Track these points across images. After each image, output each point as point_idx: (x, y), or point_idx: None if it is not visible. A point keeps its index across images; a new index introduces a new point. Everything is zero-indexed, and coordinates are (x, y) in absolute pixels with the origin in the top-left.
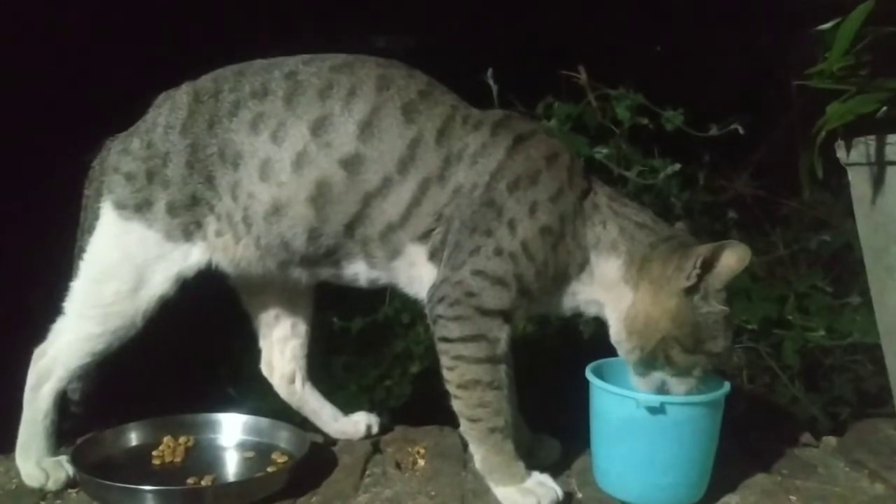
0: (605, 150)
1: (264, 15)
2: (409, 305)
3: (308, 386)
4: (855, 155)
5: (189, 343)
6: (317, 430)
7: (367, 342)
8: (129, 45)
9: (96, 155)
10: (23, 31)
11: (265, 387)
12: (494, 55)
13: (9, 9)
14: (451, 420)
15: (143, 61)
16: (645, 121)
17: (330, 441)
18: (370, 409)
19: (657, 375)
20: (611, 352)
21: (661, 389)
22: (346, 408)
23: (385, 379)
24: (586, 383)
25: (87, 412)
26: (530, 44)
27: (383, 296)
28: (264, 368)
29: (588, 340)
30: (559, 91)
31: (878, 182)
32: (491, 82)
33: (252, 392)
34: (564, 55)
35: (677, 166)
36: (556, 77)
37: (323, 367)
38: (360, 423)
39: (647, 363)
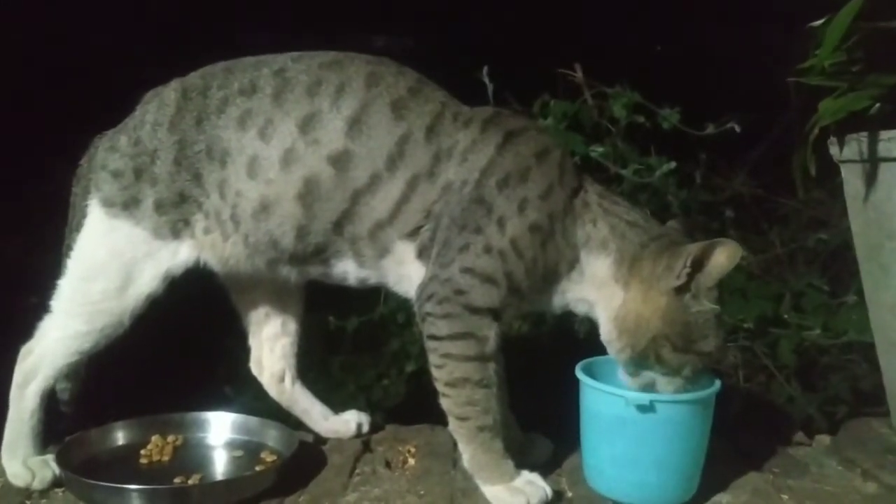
0: (601, 149)
1: (260, 14)
2: (405, 305)
3: (298, 385)
4: (848, 152)
5: (186, 341)
6: (307, 429)
7: (364, 341)
8: (124, 44)
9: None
10: (18, 31)
11: (261, 386)
12: (490, 53)
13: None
14: (442, 419)
15: (138, 61)
16: (641, 119)
17: (320, 440)
18: (367, 409)
19: (647, 374)
20: (604, 351)
21: (652, 388)
22: (344, 408)
23: (382, 378)
24: (578, 382)
25: (77, 412)
26: (526, 42)
27: (378, 295)
28: (254, 367)
29: (583, 340)
30: (555, 89)
31: (870, 179)
32: (486, 80)
33: (248, 391)
34: (560, 53)
35: (673, 164)
36: (553, 75)
37: (320, 367)
38: (350, 421)
39: (638, 362)
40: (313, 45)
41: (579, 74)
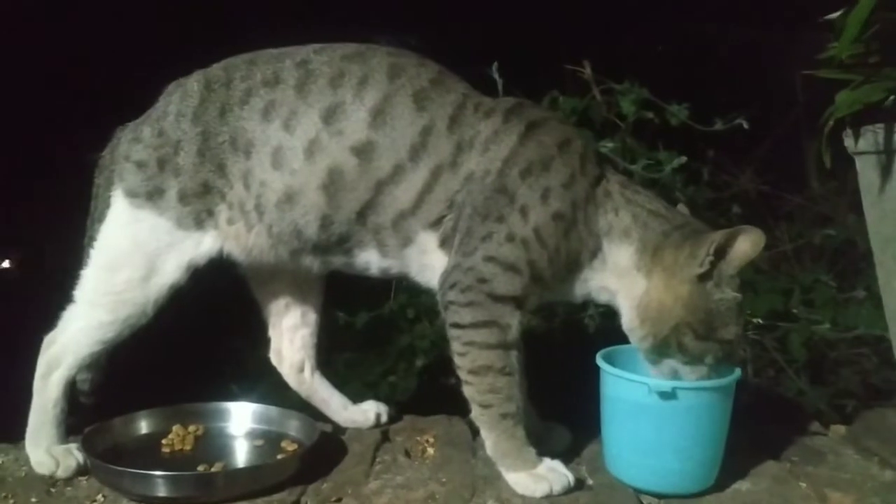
0: (610, 144)
1: (264, 12)
2: (414, 300)
3: (317, 375)
4: (863, 143)
5: (192, 338)
6: (325, 419)
7: (372, 337)
8: (135, 42)
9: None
10: (28, 26)
11: (267, 385)
12: (499, 49)
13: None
14: (459, 410)
15: (147, 59)
16: (650, 115)
17: (339, 430)
18: None
19: (669, 363)
20: (615, 343)
21: (674, 377)
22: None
23: (389, 375)
24: (592, 374)
25: (96, 403)
26: (535, 38)
27: (388, 291)
28: (273, 357)
29: (593, 333)
30: (564, 85)
31: (886, 170)
32: (496, 76)
33: (256, 389)
34: (569, 49)
35: (683, 159)
36: (561, 71)
37: (326, 364)
38: (369, 411)
39: (660, 350)
40: (317, 40)
41: (588, 71)
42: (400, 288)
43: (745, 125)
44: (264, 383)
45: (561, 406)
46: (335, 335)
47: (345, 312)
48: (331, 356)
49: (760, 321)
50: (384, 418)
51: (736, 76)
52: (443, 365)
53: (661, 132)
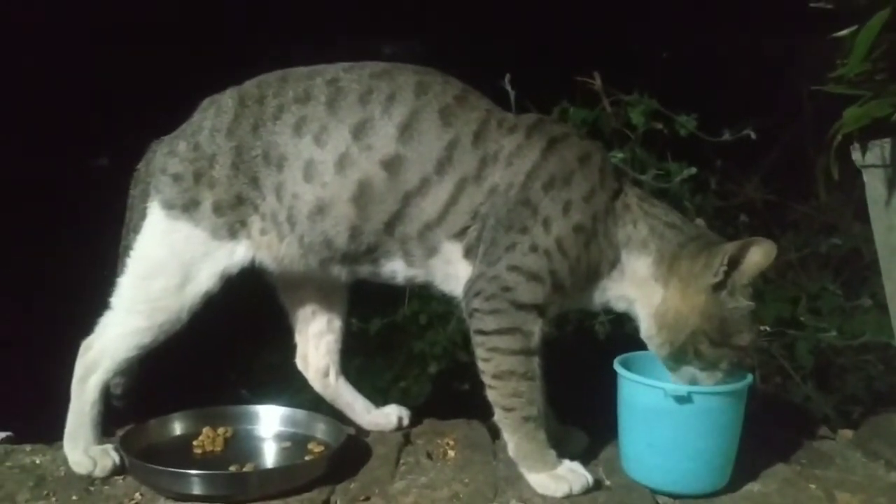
0: (620, 155)
1: (274, 22)
2: (427, 307)
3: (342, 379)
4: (870, 157)
5: (197, 342)
6: (349, 422)
7: (385, 343)
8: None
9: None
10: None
11: (277, 389)
12: (510, 61)
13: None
14: (478, 414)
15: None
16: (659, 126)
17: (362, 432)
18: None
19: (688, 369)
20: (624, 350)
21: (692, 382)
22: None
23: (399, 380)
24: (604, 379)
25: (130, 405)
26: (545, 50)
27: (401, 297)
28: (299, 362)
29: (604, 340)
30: (574, 96)
31: (892, 183)
32: (508, 88)
33: (267, 393)
34: (579, 61)
35: (693, 170)
36: (571, 83)
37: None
38: (391, 415)
39: (677, 357)
40: (326, 52)
41: (598, 82)
42: (413, 295)
43: (753, 135)
44: (273, 387)
45: (576, 410)
46: (348, 341)
47: (358, 318)
48: (344, 361)
49: (768, 329)
50: (406, 422)
51: (743, 87)
52: (456, 371)
53: (670, 143)
